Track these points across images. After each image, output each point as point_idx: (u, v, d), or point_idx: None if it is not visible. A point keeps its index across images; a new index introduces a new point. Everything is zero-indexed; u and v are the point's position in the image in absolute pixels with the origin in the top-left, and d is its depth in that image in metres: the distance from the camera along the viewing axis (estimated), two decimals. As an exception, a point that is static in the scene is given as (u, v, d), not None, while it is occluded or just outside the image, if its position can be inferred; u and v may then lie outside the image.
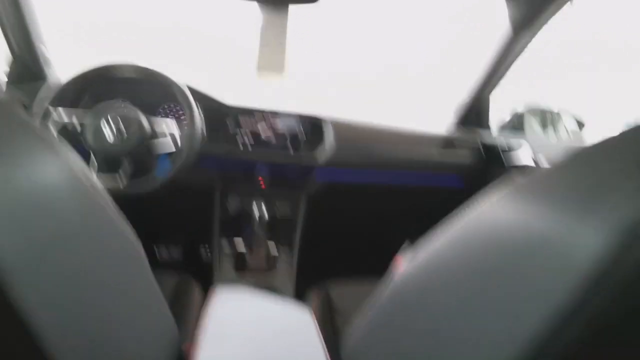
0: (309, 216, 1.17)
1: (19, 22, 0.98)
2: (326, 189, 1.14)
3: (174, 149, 0.92)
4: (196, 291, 0.89)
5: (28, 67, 1.06)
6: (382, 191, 1.20)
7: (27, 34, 1.00)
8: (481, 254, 0.33)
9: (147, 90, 1.07)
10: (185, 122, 0.93)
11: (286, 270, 1.14)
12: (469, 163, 1.19)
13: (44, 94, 0.89)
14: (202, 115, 1.01)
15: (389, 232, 1.35)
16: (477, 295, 0.31)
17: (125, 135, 0.88)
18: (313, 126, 1.12)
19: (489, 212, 0.36)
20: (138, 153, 0.90)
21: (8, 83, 1.06)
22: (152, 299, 0.42)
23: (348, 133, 1.12)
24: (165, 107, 1.12)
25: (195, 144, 0.91)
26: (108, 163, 0.90)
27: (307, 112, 1.13)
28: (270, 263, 1.14)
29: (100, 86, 1.07)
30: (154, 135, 0.92)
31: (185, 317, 0.78)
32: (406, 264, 0.44)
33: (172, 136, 0.92)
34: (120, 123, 0.88)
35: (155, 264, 1.28)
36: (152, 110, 0.98)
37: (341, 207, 1.27)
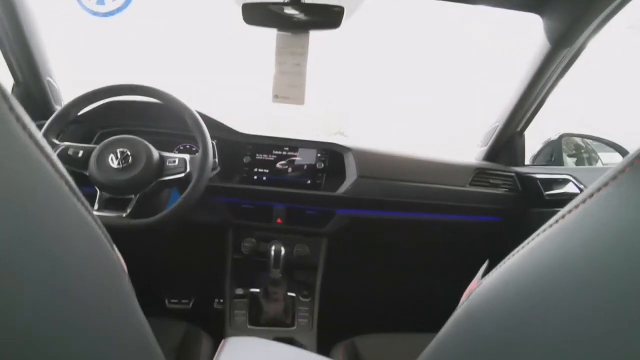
0: (331, 259, 1.05)
1: (23, 52, 0.94)
2: (348, 224, 1.03)
3: (182, 175, 0.83)
4: (205, 342, 0.78)
5: (33, 99, 1.01)
6: (411, 226, 1.08)
7: (32, 64, 0.96)
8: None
9: (162, 126, 1.02)
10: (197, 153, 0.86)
11: (307, 322, 1.00)
12: (505, 195, 1.08)
13: (49, 125, 0.83)
14: (214, 144, 0.96)
15: (420, 274, 1.21)
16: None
17: (134, 168, 0.80)
18: (333, 156, 1.04)
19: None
20: (148, 189, 0.82)
21: None
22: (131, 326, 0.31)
23: (371, 163, 1.03)
24: (181, 147, 1.06)
25: (207, 171, 0.83)
26: (115, 200, 0.81)
27: (327, 140, 1.04)
28: (289, 315, 1.01)
29: (111, 121, 1.02)
30: (165, 169, 0.84)
31: None
32: (482, 283, 0.32)
33: (183, 162, 0.84)
34: (129, 156, 0.81)
35: (163, 313, 1.15)
36: (167, 150, 0.92)
37: (366, 245, 1.15)
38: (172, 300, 1.19)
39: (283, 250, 0.94)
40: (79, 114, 0.89)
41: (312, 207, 1.03)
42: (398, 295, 1.26)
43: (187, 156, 0.86)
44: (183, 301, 1.20)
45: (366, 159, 1.03)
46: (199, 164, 0.83)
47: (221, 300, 1.07)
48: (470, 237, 1.16)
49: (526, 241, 0.29)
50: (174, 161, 0.85)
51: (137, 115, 1.03)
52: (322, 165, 1.03)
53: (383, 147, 1.08)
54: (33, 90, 1.00)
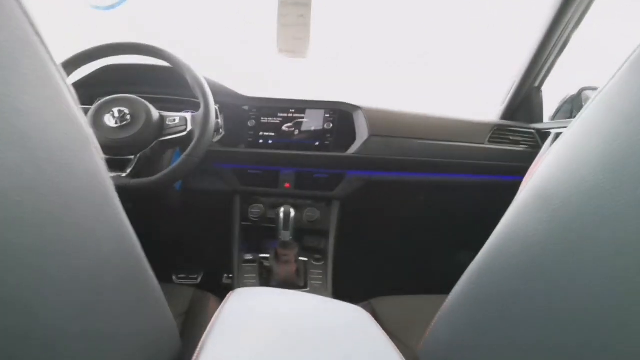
0: (343, 223, 1.00)
1: None
2: (360, 186, 0.98)
3: (184, 134, 0.79)
4: (213, 301, 0.73)
5: None
6: (428, 187, 1.03)
7: None
8: None
9: (162, 93, 0.99)
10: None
11: (321, 284, 0.95)
12: (527, 152, 1.02)
13: None
14: (217, 109, 0.91)
15: (437, 237, 1.16)
16: None
17: (132, 127, 0.76)
18: (342, 116, 0.99)
19: None
20: (147, 149, 0.78)
21: None
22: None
23: (383, 121, 0.98)
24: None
25: (210, 128, 0.78)
26: (114, 162, 0.77)
27: (335, 99, 0.99)
28: (302, 277, 0.96)
29: (110, 87, 0.99)
30: (166, 128, 0.80)
31: (199, 324, 0.62)
32: (552, 151, 0.27)
33: (184, 120, 0.80)
34: (127, 114, 0.77)
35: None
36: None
37: (380, 208, 1.09)
38: (180, 276, 1.15)
39: (293, 212, 0.90)
40: (73, 79, 0.86)
41: (321, 169, 0.98)
42: (414, 258, 1.20)
43: (188, 114, 0.82)
44: (191, 276, 1.16)
45: (377, 116, 0.97)
46: (201, 120, 0.79)
47: (230, 276, 1.02)
48: (490, 199, 1.10)
49: (585, 106, 0.25)
50: (175, 120, 0.81)
51: (137, 81, 0.99)
52: (330, 125, 0.98)
53: (394, 106, 1.03)
54: None
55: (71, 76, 0.87)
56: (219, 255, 1.06)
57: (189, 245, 1.16)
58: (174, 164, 0.77)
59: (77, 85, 0.95)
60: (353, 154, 0.95)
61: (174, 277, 1.16)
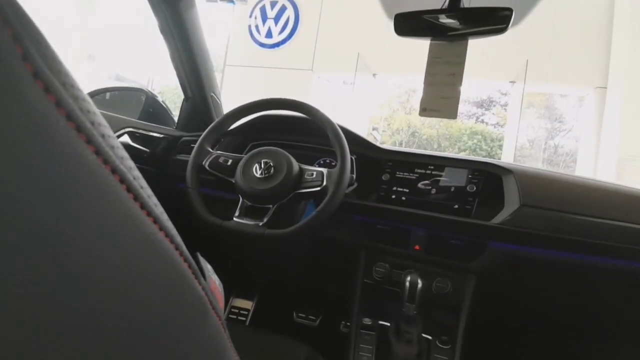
0: (478, 301, 0.88)
1: (193, 71, 1.07)
2: (504, 261, 0.85)
3: (319, 189, 0.82)
4: None
5: (198, 112, 1.14)
6: (595, 273, 0.84)
7: (199, 81, 1.08)
8: None
9: (305, 141, 1.06)
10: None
11: None
12: None
13: (206, 134, 0.92)
14: (353, 159, 0.96)
15: (603, 343, 0.94)
16: None
17: (274, 178, 0.83)
18: (488, 178, 0.89)
19: None
20: (285, 200, 0.84)
21: (178, 121, 1.16)
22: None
23: (539, 190, 0.84)
24: (321, 162, 1.08)
25: (343, 186, 0.80)
26: (254, 209, 0.85)
27: (481, 159, 0.90)
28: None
29: (261, 135, 1.09)
30: (303, 182, 0.85)
31: None
32: None
33: (320, 175, 0.83)
34: (272, 167, 0.85)
35: (289, 327, 1.16)
36: (307, 163, 0.94)
37: (525, 292, 0.94)
38: (300, 315, 1.19)
39: (420, 283, 0.83)
40: (233, 126, 0.97)
41: (459, 236, 0.88)
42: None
43: (324, 170, 0.84)
44: (310, 317, 1.19)
45: (532, 183, 0.85)
46: (335, 178, 0.81)
47: (348, 324, 1.00)
48: None
49: None
50: (312, 174, 0.85)
51: (284, 129, 1.07)
52: (474, 188, 0.89)
53: (552, 170, 0.89)
54: (199, 104, 1.14)
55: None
56: (339, 303, 1.05)
57: (312, 289, 1.19)
58: (306, 219, 0.80)
59: (234, 132, 1.07)
60: (499, 223, 0.83)
61: (294, 314, 1.19)
